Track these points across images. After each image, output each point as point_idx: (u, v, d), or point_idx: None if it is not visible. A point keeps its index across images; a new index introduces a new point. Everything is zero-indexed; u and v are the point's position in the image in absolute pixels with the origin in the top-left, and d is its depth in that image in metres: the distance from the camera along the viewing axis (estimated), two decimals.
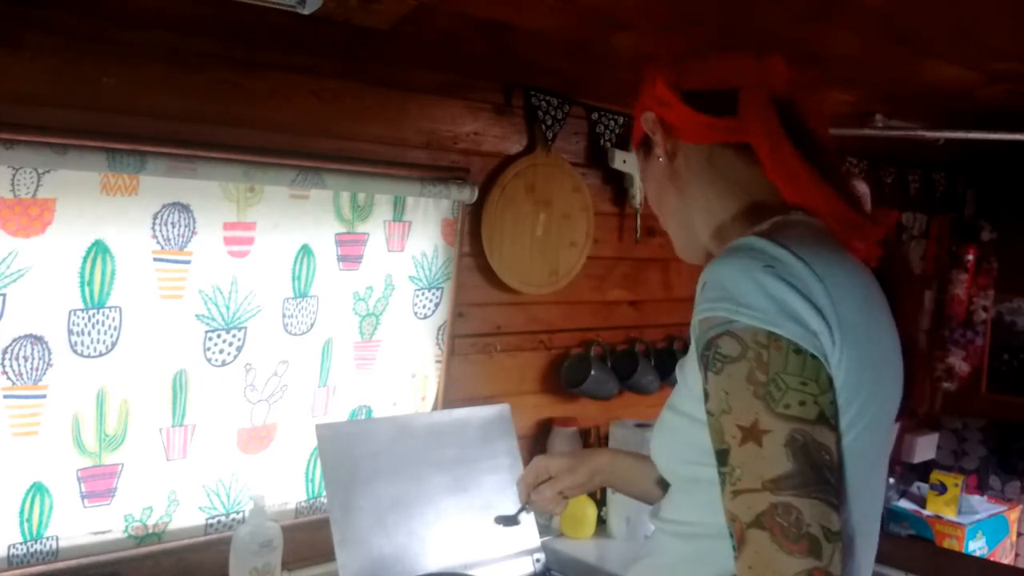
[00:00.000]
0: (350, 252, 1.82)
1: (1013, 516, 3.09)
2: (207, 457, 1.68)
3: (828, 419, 0.79)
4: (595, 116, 2.17)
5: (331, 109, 1.70)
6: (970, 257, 3.22)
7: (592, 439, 2.28)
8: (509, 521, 1.40)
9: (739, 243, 0.88)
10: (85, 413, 1.52)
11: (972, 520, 2.90)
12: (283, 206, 1.69)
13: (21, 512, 1.49)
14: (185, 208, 1.57)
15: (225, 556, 1.59)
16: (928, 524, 2.91)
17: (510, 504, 1.48)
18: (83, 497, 1.55)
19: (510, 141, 2.04)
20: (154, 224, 1.54)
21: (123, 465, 1.58)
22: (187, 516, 1.68)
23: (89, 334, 1.50)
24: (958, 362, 3.25)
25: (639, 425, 2.15)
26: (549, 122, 2.04)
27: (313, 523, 1.81)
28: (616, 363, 2.29)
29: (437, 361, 2.00)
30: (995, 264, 3.25)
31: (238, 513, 1.74)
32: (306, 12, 1.19)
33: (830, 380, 0.81)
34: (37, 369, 1.46)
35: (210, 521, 1.71)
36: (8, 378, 1.44)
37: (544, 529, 1.91)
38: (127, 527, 1.61)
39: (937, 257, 3.32)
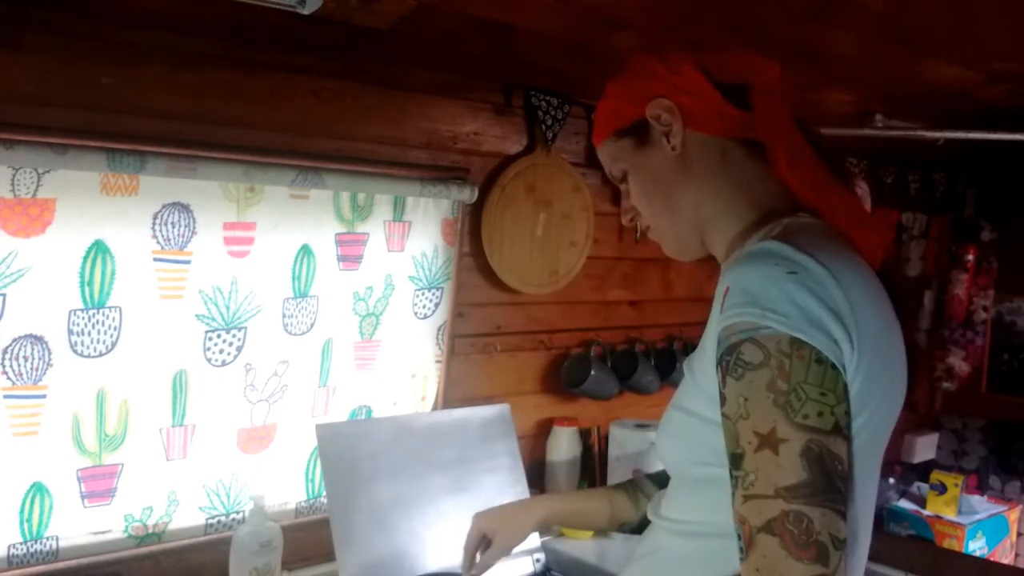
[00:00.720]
0: (350, 252, 1.82)
1: (1013, 516, 3.09)
2: (207, 457, 1.68)
3: (842, 429, 0.79)
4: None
5: (331, 109, 1.70)
6: (970, 257, 3.21)
7: (592, 439, 2.28)
8: None
9: (760, 248, 0.87)
10: (85, 413, 1.52)
11: (972, 520, 2.90)
12: (283, 206, 1.69)
13: (21, 512, 1.49)
14: (185, 208, 1.57)
15: (225, 556, 1.59)
16: (928, 524, 2.91)
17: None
18: (83, 497, 1.55)
19: (510, 141, 2.04)
20: (154, 224, 1.54)
21: (123, 465, 1.58)
22: (187, 516, 1.68)
23: (89, 334, 1.50)
24: (958, 362, 3.25)
25: (639, 425, 2.15)
26: (549, 122, 2.04)
27: (313, 523, 1.81)
28: (616, 363, 2.29)
29: (437, 361, 2.00)
30: (995, 264, 3.24)
31: (238, 513, 1.74)
32: (306, 12, 1.19)
33: (846, 390, 0.81)
34: (37, 369, 1.46)
35: (210, 521, 1.71)
36: (8, 378, 1.44)
37: (544, 529, 1.91)
38: (127, 527, 1.61)
39: (937, 257, 3.31)
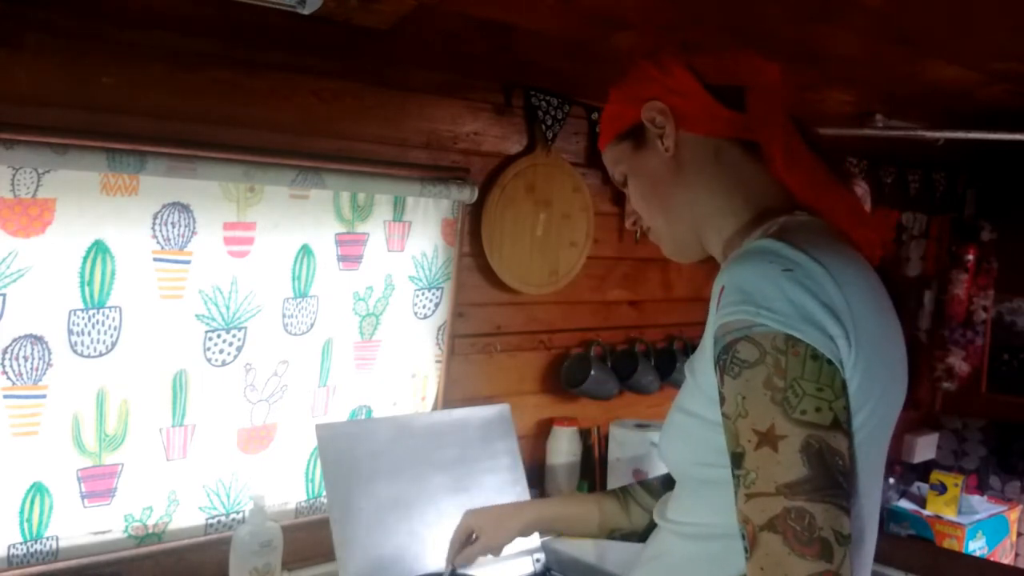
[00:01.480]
0: (350, 252, 1.82)
1: (1013, 516, 3.09)
2: (207, 457, 1.68)
3: (842, 424, 0.79)
4: (595, 116, 2.17)
5: (331, 109, 1.70)
6: (970, 257, 3.21)
7: (592, 439, 2.28)
8: None
9: (755, 246, 0.87)
10: (85, 413, 1.52)
11: (972, 520, 2.90)
12: (283, 206, 1.69)
13: (21, 512, 1.49)
14: (185, 208, 1.57)
15: (225, 556, 1.59)
16: (928, 524, 2.91)
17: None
18: (83, 497, 1.55)
19: (510, 141, 2.04)
20: (154, 224, 1.54)
21: (123, 465, 1.58)
22: (187, 516, 1.68)
23: (89, 334, 1.50)
24: (958, 362, 3.24)
25: (639, 425, 2.15)
26: (549, 122, 2.04)
27: (313, 523, 1.81)
28: (616, 363, 2.29)
29: (437, 361, 2.01)
30: (995, 264, 3.24)
31: (238, 513, 1.74)
32: (306, 12, 1.19)
33: (844, 385, 0.81)
34: (37, 369, 1.46)
35: (210, 521, 1.71)
36: (8, 378, 1.44)
37: (532, 532, 1.91)
38: (127, 527, 1.61)
39: (937, 257, 3.31)
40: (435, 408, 2.01)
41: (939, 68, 1.74)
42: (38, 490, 1.50)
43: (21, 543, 1.49)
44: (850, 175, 2.72)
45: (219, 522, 1.72)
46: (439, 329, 1.99)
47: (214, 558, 1.64)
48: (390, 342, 1.93)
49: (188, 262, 1.59)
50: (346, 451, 1.65)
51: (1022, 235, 3.19)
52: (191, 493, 1.68)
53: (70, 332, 1.48)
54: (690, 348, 2.46)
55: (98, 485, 1.56)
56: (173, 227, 1.56)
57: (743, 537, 0.79)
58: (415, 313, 1.95)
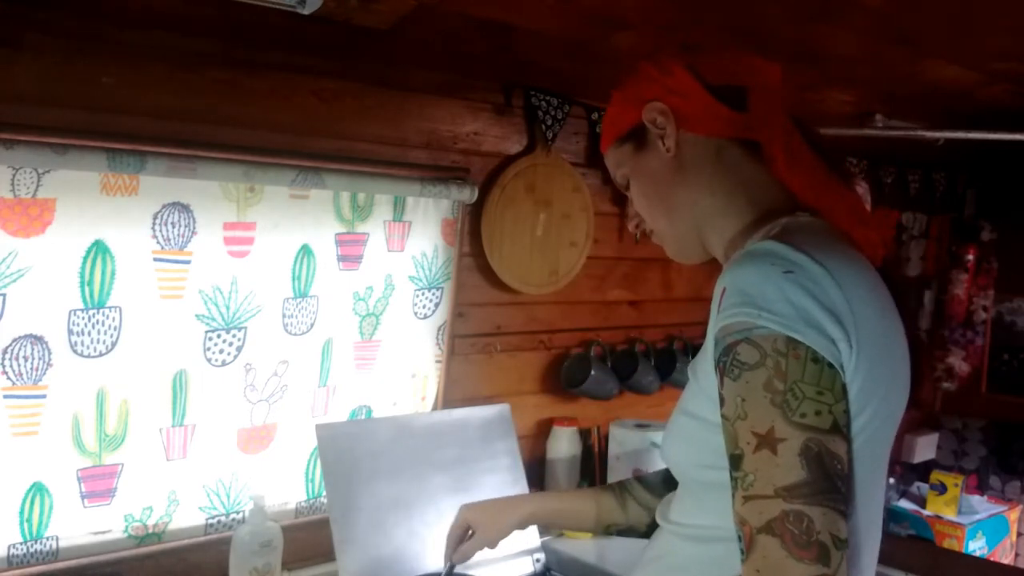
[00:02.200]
0: (350, 252, 1.82)
1: (1013, 516, 3.09)
2: (207, 457, 1.68)
3: (841, 428, 0.79)
4: (595, 116, 2.17)
5: (331, 109, 1.70)
6: (970, 257, 3.22)
7: (592, 439, 2.28)
8: None
9: (757, 247, 0.87)
10: (85, 413, 1.52)
11: (972, 520, 2.90)
12: (283, 206, 1.69)
13: (21, 512, 1.49)
14: (185, 208, 1.57)
15: (225, 556, 1.59)
16: (928, 524, 2.91)
17: None
18: (83, 497, 1.55)
19: (510, 141, 2.04)
20: (154, 224, 1.54)
21: (123, 465, 1.58)
22: (187, 516, 1.68)
23: (89, 334, 1.50)
24: (958, 362, 3.25)
25: (639, 425, 2.15)
26: (549, 122, 2.04)
27: (313, 523, 1.81)
28: (616, 363, 2.29)
29: (437, 361, 2.01)
30: (995, 264, 3.24)
31: (238, 513, 1.74)
32: (306, 12, 1.19)
33: (844, 389, 0.81)
34: (37, 369, 1.46)
35: (210, 521, 1.71)
36: (8, 378, 1.44)
37: (544, 529, 1.91)
38: (127, 527, 1.61)
39: (937, 257, 3.32)
40: (435, 408, 2.01)
41: (939, 68, 1.74)
42: (38, 490, 1.50)
43: (21, 543, 1.49)
44: (851, 175, 2.72)
45: (219, 522, 1.72)
46: (439, 329, 1.99)
47: (214, 558, 1.64)
48: (390, 342, 1.93)
49: (188, 262, 1.59)
50: (346, 451, 1.65)
51: (1022, 235, 3.19)
52: (191, 493, 1.68)
53: (70, 332, 1.48)
54: (690, 348, 2.46)
55: (98, 485, 1.56)
56: (173, 227, 1.56)
57: (739, 539, 0.79)
58: (415, 313, 1.95)
